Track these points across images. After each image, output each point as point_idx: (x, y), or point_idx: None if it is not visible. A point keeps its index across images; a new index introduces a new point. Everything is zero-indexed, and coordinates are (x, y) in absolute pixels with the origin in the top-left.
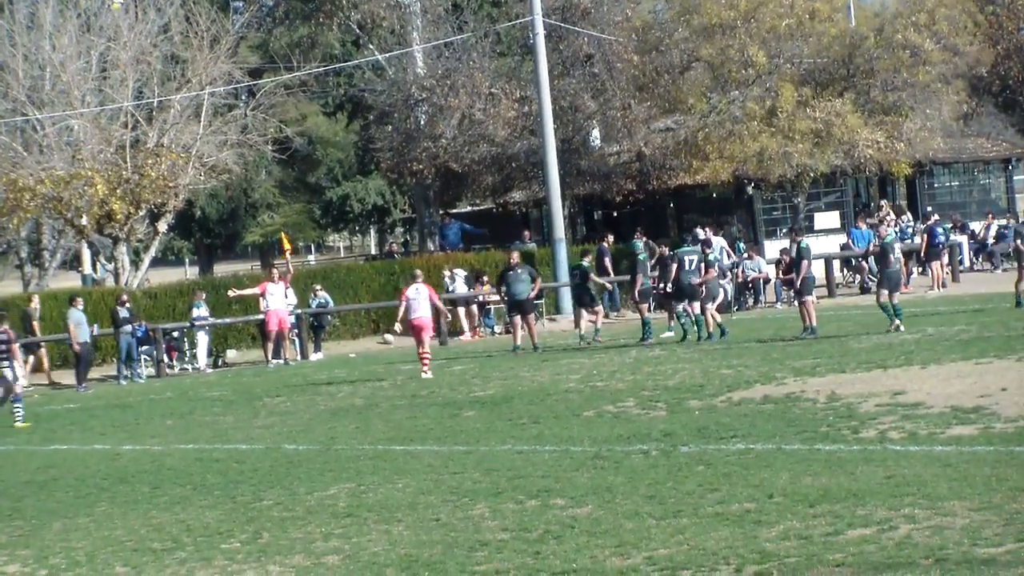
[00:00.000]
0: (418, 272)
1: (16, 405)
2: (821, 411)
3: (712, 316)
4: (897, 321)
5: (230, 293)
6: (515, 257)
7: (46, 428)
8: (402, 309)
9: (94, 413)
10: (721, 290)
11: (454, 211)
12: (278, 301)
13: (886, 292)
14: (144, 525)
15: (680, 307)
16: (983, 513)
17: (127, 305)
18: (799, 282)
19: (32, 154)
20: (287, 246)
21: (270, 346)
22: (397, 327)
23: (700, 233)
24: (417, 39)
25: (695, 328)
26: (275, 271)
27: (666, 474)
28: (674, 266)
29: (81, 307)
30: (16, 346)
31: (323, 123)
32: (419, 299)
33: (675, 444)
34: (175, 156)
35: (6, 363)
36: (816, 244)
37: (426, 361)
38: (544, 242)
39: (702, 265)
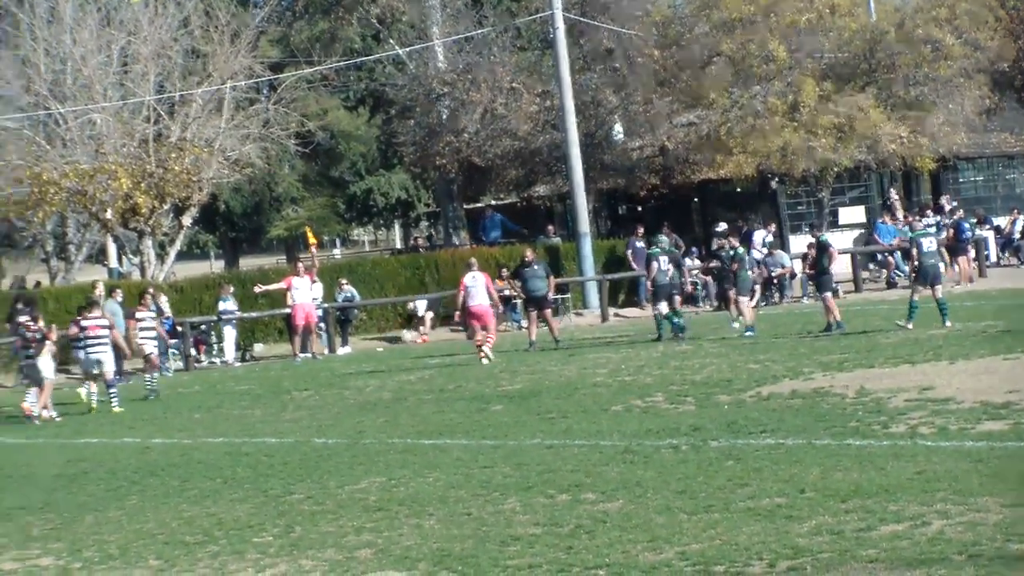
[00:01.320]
0: (473, 261)
1: (112, 389)
2: (850, 406)
3: (745, 309)
4: (909, 324)
5: (256, 289)
6: (529, 254)
7: (76, 421)
8: (460, 297)
9: (123, 406)
10: (757, 285)
11: (495, 203)
12: (304, 295)
13: (920, 288)
14: (175, 518)
15: (657, 307)
16: (1016, 509)
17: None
18: (819, 277)
19: (55, 148)
20: (312, 240)
21: (297, 340)
22: (456, 316)
23: (721, 227)
24: (437, 33)
25: (666, 327)
26: (300, 265)
27: (696, 469)
28: (654, 264)
29: (120, 299)
30: (116, 331)
31: (345, 117)
32: (476, 287)
33: (705, 439)
34: (198, 150)
35: (104, 348)
36: (841, 239)
37: (489, 342)
38: (569, 236)
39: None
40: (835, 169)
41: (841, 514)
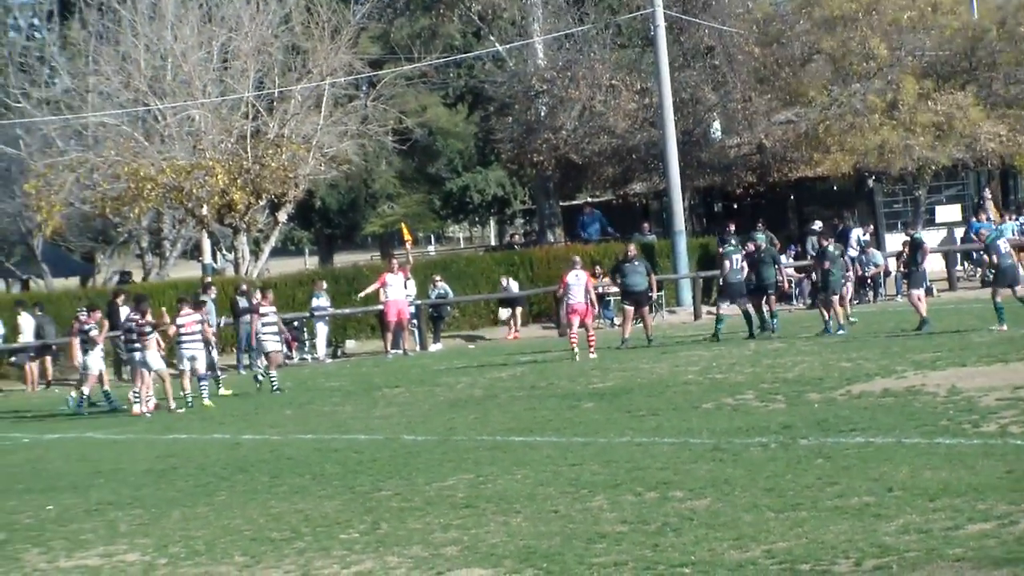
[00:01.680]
0: (577, 259)
1: (202, 383)
2: (941, 405)
3: (825, 309)
4: (1003, 326)
5: (358, 297)
6: (632, 249)
7: (166, 417)
8: (560, 292)
9: (214, 402)
10: (847, 284)
11: (591, 200)
12: (397, 292)
13: (1001, 290)
14: (263, 515)
15: (725, 305)
16: None
17: (247, 295)
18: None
19: (153, 144)
20: (408, 237)
21: (389, 336)
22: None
23: (818, 225)
24: (538, 30)
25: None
26: (394, 262)
27: (785, 467)
28: (726, 263)
29: (214, 295)
30: (208, 327)
31: (443, 114)
32: (578, 285)
33: (794, 437)
34: (296, 147)
35: (197, 344)
36: (937, 237)
37: (591, 341)
38: (664, 234)
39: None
40: (933, 167)
41: (929, 513)
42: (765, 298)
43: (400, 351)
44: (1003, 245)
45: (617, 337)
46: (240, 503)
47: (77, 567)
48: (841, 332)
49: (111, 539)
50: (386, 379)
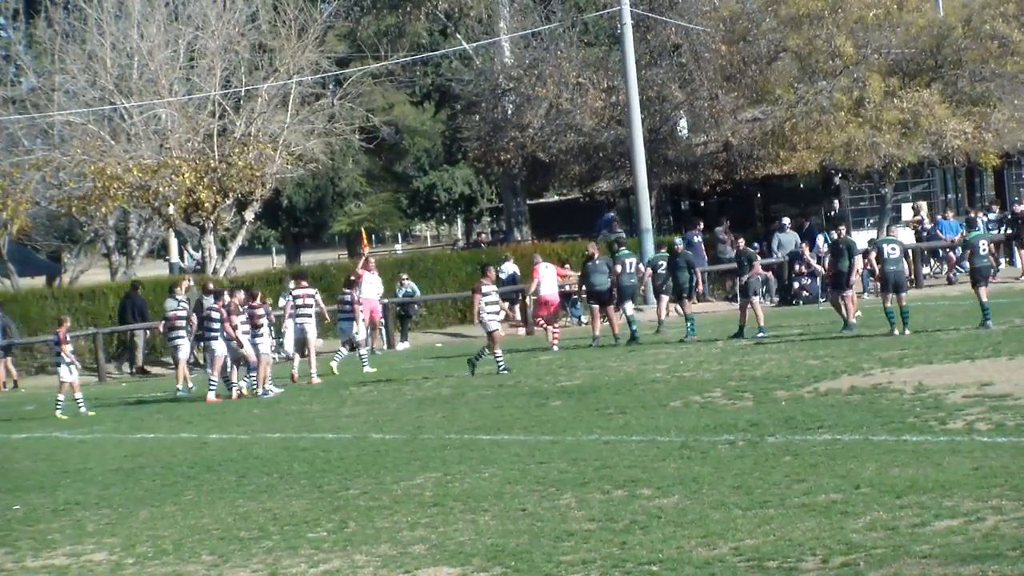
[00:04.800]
0: (537, 255)
1: (362, 353)
2: (908, 402)
3: (757, 309)
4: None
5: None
6: (593, 248)
7: (133, 416)
8: (533, 286)
9: (181, 402)
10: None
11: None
12: (370, 290)
13: (891, 295)
14: (231, 514)
15: (622, 308)
16: None
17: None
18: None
19: (120, 143)
20: (365, 247)
21: None
22: (529, 300)
23: (786, 221)
24: (504, 29)
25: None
26: (370, 260)
27: (753, 464)
28: (617, 267)
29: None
30: (358, 307)
31: (410, 112)
32: (549, 277)
33: (762, 434)
34: (262, 145)
35: (349, 319)
36: (902, 235)
37: (556, 335)
38: (631, 232)
39: (640, 266)
40: (899, 165)
41: (896, 510)
42: (680, 301)
43: (369, 349)
44: (889, 249)
45: (584, 335)
46: (208, 502)
47: (44, 567)
48: (760, 335)
49: (78, 539)
50: (354, 377)
